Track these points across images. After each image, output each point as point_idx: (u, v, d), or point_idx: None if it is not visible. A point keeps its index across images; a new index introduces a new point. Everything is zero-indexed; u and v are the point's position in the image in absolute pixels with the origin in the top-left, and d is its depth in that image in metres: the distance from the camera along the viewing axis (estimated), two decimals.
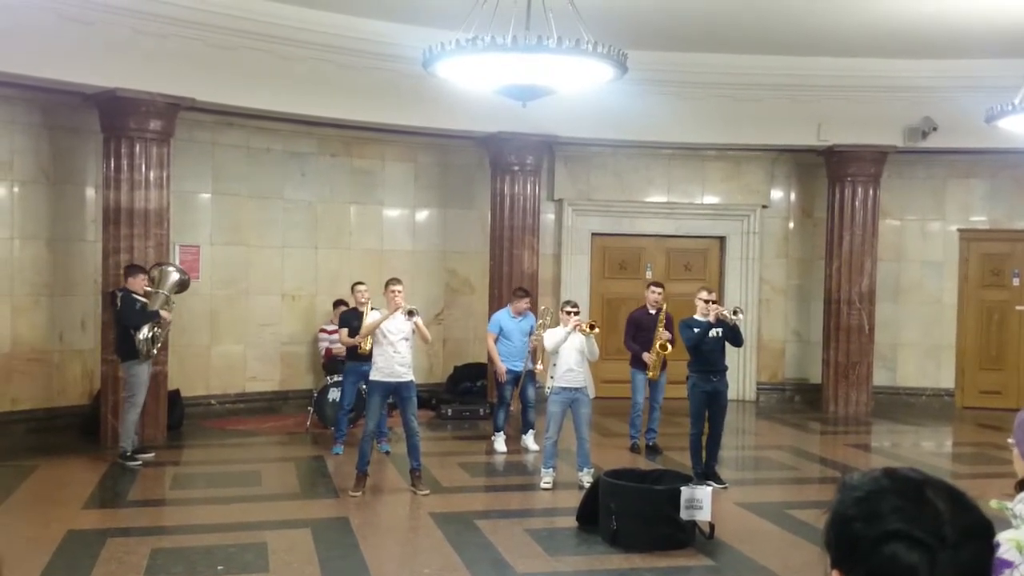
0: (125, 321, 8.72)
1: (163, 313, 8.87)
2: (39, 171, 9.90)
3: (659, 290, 9.64)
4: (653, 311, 9.57)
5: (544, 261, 12.52)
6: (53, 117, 9.91)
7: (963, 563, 1.26)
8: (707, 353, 8.07)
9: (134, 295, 8.74)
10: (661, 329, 9.34)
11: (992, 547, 1.32)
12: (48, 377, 9.97)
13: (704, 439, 8.23)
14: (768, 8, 9.80)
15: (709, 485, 7.13)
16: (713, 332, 8.04)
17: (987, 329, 13.24)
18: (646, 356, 9.40)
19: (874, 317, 12.46)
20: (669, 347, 9.31)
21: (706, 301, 8.13)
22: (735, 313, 8.12)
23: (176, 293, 9.20)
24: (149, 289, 8.88)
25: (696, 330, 8.02)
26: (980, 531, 1.30)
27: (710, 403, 8.15)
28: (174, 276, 9.16)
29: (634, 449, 9.58)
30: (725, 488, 8.01)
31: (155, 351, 8.88)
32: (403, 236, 12.58)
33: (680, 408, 11.43)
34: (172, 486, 8.20)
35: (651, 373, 9.46)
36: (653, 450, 9.55)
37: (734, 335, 8.14)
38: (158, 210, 9.47)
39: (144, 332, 8.71)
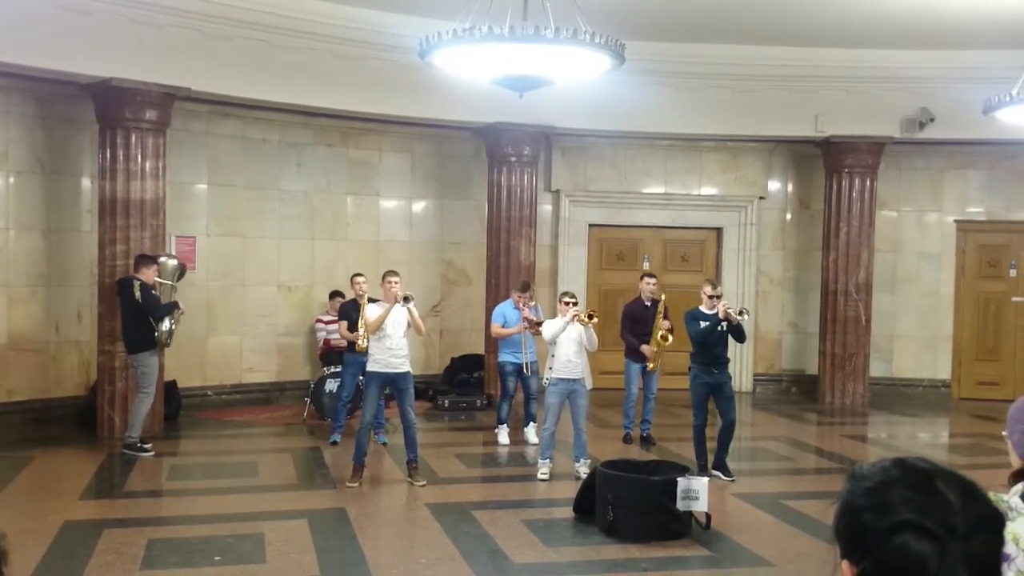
0: (151, 313, 8.76)
1: (181, 304, 8.98)
2: (35, 161, 9.87)
3: (654, 281, 9.66)
4: (648, 303, 9.56)
5: (541, 252, 12.52)
6: (48, 107, 9.87)
7: (973, 554, 1.26)
8: (711, 346, 8.08)
9: (150, 286, 8.77)
10: (660, 319, 9.34)
11: (1003, 538, 1.31)
12: (44, 368, 9.96)
13: (718, 432, 8.21)
14: None
15: (709, 476, 7.14)
16: (719, 326, 8.03)
17: (984, 320, 13.25)
18: (645, 348, 9.39)
19: (871, 308, 12.47)
20: (670, 338, 9.31)
21: (711, 296, 8.12)
22: (740, 313, 8.12)
23: (177, 280, 9.28)
24: (157, 280, 8.92)
25: (704, 324, 8.02)
26: (991, 522, 1.30)
27: (714, 395, 8.16)
28: (171, 263, 9.27)
29: (627, 440, 9.59)
30: (733, 481, 8.02)
31: (170, 342, 8.96)
32: (400, 227, 12.56)
33: (677, 399, 11.46)
34: (169, 477, 8.20)
35: (651, 365, 9.44)
36: (647, 441, 9.56)
37: (737, 332, 8.14)
38: (154, 201, 9.44)
39: (166, 324, 8.77)
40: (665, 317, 9.46)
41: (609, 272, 13.20)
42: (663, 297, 9.52)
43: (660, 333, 9.30)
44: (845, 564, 1.34)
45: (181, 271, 9.39)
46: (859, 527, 1.31)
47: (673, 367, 11.79)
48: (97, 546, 6.03)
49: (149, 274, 8.82)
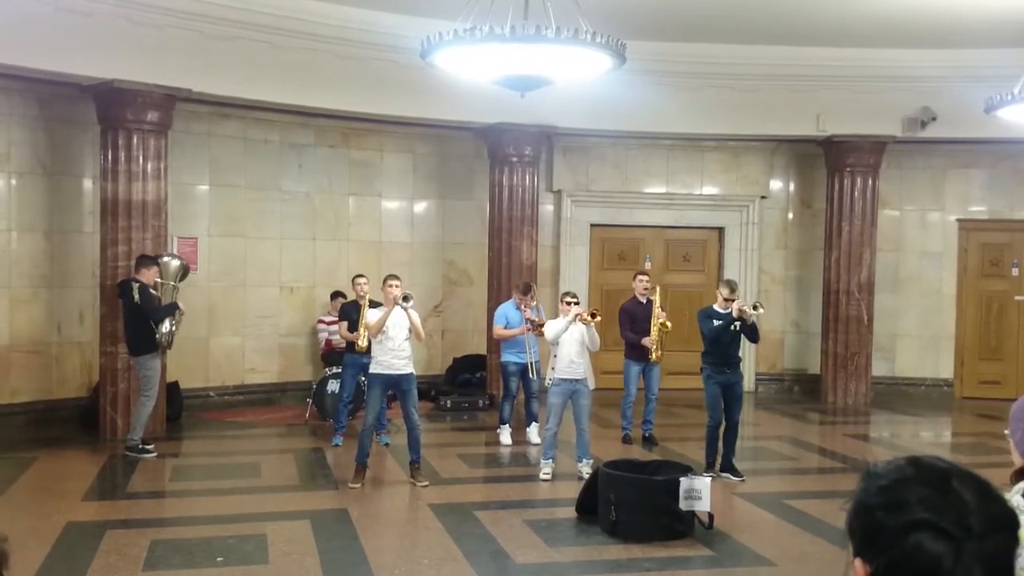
0: (150, 315, 8.73)
1: (182, 305, 8.95)
2: (36, 163, 9.88)
3: (646, 278, 9.68)
4: (644, 300, 9.56)
5: (543, 252, 12.51)
6: (50, 109, 9.88)
7: (988, 554, 1.25)
8: (724, 345, 8.05)
9: (149, 288, 8.76)
10: (658, 310, 9.32)
11: (1018, 538, 1.30)
12: (47, 369, 9.97)
13: (722, 433, 8.20)
14: None
15: (716, 477, 7.12)
16: (733, 326, 8.00)
17: (986, 319, 13.24)
18: (646, 340, 9.36)
19: (873, 307, 12.46)
20: (669, 325, 9.28)
21: (727, 299, 8.08)
22: (755, 308, 8.07)
23: (180, 281, 9.27)
24: (159, 280, 8.91)
25: (717, 322, 8.00)
26: (1006, 522, 1.29)
27: (725, 394, 8.14)
28: (175, 264, 9.24)
29: (626, 440, 9.58)
30: (743, 481, 8.01)
31: (170, 344, 8.92)
32: (401, 227, 12.56)
33: (680, 399, 11.49)
34: (171, 478, 8.20)
35: (656, 354, 9.39)
36: (649, 441, 9.55)
37: (751, 331, 8.10)
38: (156, 202, 9.45)
39: (166, 326, 8.75)
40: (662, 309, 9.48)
41: (611, 272, 13.18)
42: (658, 290, 9.53)
43: (660, 321, 9.27)
44: (858, 562, 1.32)
45: (184, 272, 9.38)
46: (873, 525, 1.30)
47: (676, 367, 11.79)
48: (100, 547, 6.03)
49: (149, 275, 8.81)
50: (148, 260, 8.91)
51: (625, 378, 9.68)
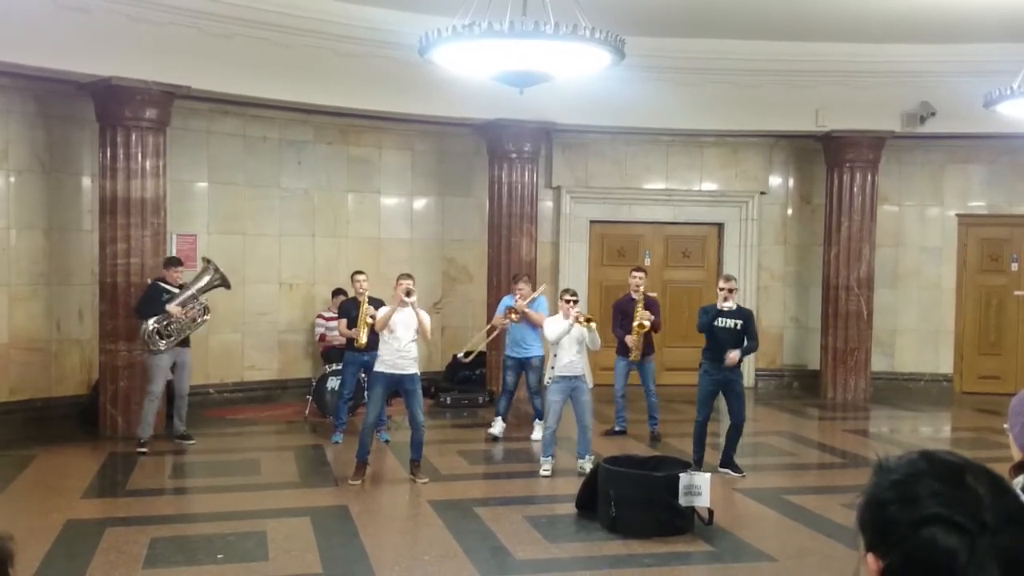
0: (135, 311, 8.87)
1: (171, 308, 8.80)
2: (35, 160, 9.87)
3: (639, 275, 9.67)
4: (638, 298, 9.58)
5: (542, 249, 12.51)
6: (48, 106, 9.87)
7: (1003, 548, 1.24)
8: (721, 342, 8.03)
9: (163, 286, 8.86)
10: (640, 310, 9.33)
11: None
12: (46, 367, 9.96)
13: (726, 430, 8.20)
14: None
15: (710, 472, 7.12)
16: (730, 323, 7.95)
17: (985, 314, 13.24)
18: (628, 339, 9.40)
19: (872, 303, 12.46)
20: (646, 324, 9.29)
21: (721, 288, 8.07)
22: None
23: (219, 286, 9.25)
24: (164, 284, 8.94)
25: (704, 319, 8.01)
26: (1020, 516, 1.28)
27: (724, 393, 8.12)
28: (204, 278, 9.15)
29: (610, 433, 9.57)
30: (743, 477, 8.02)
31: (160, 346, 8.80)
32: (401, 224, 12.56)
33: (679, 395, 11.48)
34: (171, 475, 8.21)
35: (633, 354, 9.44)
36: (655, 438, 9.54)
37: (748, 330, 8.01)
38: (154, 199, 9.45)
39: (149, 324, 8.73)
40: (647, 308, 9.43)
41: (610, 268, 13.17)
42: (641, 289, 9.52)
43: (637, 322, 9.29)
44: (871, 557, 1.31)
45: (211, 285, 9.25)
46: (885, 520, 1.30)
47: (675, 363, 11.81)
48: (100, 545, 6.03)
49: (172, 275, 9.00)
50: (169, 261, 9.15)
51: (615, 375, 9.75)
